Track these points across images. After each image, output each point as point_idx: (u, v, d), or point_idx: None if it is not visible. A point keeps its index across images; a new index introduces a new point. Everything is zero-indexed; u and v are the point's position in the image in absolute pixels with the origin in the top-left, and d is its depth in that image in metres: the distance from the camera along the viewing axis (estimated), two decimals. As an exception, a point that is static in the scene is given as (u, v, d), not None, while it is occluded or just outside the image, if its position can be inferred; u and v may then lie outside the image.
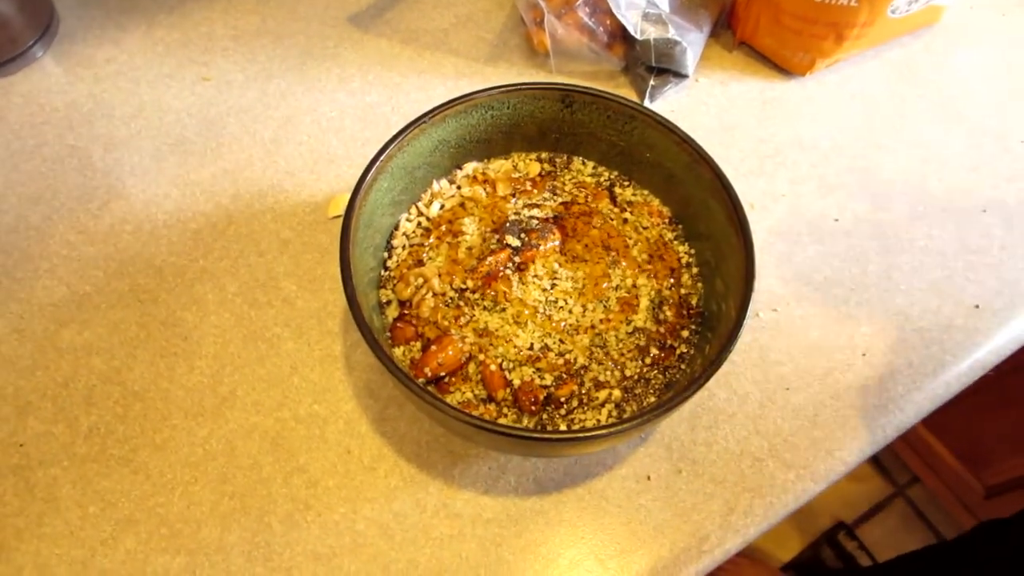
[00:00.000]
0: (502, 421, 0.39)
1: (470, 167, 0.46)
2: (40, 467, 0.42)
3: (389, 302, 0.42)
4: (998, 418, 1.02)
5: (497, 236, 0.43)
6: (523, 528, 0.41)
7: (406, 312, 0.41)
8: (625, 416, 0.39)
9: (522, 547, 0.40)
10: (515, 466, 0.42)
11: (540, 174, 0.46)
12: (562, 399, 0.39)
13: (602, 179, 0.46)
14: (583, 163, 0.47)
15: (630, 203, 0.45)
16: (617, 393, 0.39)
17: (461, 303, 0.41)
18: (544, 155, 0.47)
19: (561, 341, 0.40)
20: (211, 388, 0.44)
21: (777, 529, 0.42)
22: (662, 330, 0.41)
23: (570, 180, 0.46)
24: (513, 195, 0.45)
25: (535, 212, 0.44)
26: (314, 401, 0.44)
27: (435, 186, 0.45)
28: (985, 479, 1.09)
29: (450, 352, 0.39)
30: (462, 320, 0.40)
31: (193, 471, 0.42)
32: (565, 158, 0.47)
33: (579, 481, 0.42)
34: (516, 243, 0.42)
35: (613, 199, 0.45)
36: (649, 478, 0.42)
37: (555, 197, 0.45)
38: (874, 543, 1.24)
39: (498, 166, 0.46)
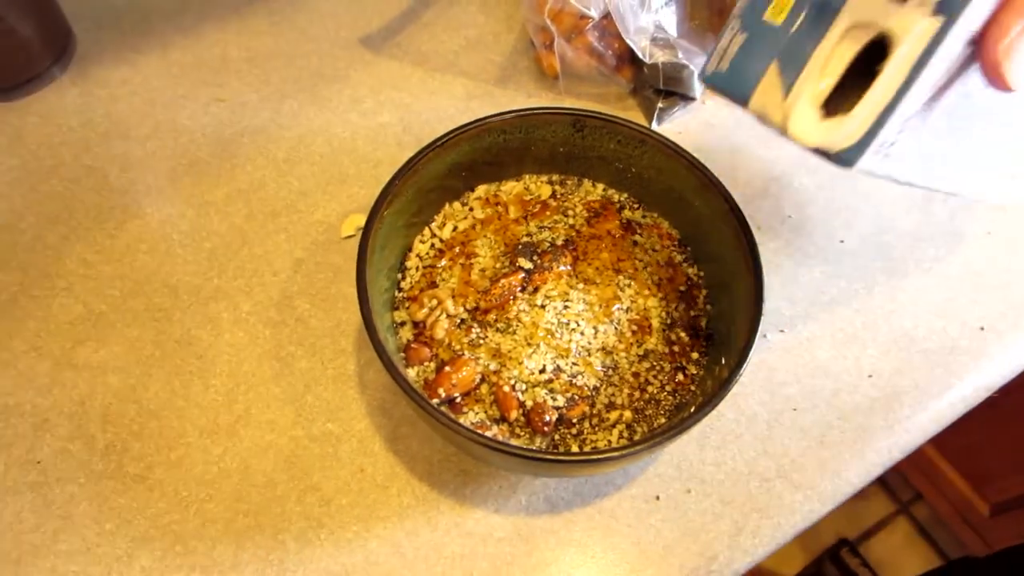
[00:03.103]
0: (514, 442, 0.39)
1: (482, 189, 0.47)
2: (57, 484, 0.42)
3: (403, 323, 0.43)
4: (1002, 436, 1.02)
5: (509, 258, 0.43)
6: (533, 547, 0.41)
7: (420, 333, 0.42)
8: (636, 437, 0.40)
9: (533, 566, 0.41)
10: (525, 485, 0.43)
11: (552, 196, 0.47)
12: (574, 420, 0.40)
13: (612, 201, 0.47)
14: (593, 185, 0.48)
15: (640, 225, 0.46)
16: (628, 414, 0.40)
17: (474, 324, 0.41)
18: (555, 177, 0.48)
19: (573, 363, 0.41)
20: (226, 406, 0.45)
21: (780, 546, 0.43)
22: (672, 351, 0.42)
23: (580, 202, 0.47)
24: (525, 217, 0.46)
25: (546, 234, 0.45)
26: (328, 419, 0.44)
27: (448, 208, 0.46)
28: (989, 497, 1.09)
29: (464, 373, 0.40)
30: (475, 341, 0.41)
31: (208, 489, 0.42)
32: (576, 180, 0.48)
33: (589, 500, 0.42)
34: (528, 265, 0.43)
35: (623, 222, 0.46)
36: (658, 498, 0.42)
37: (566, 219, 0.46)
38: (877, 560, 1.24)
39: (510, 188, 0.47)
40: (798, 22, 0.30)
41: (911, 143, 0.30)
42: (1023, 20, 0.26)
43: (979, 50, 0.27)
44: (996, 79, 0.27)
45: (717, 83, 0.33)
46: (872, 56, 0.28)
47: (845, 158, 0.30)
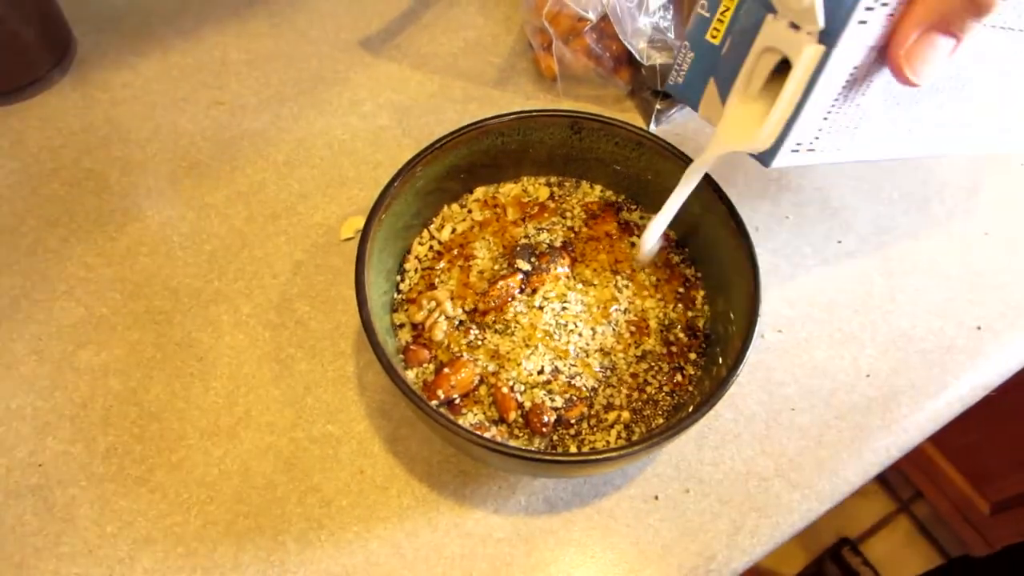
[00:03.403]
0: (513, 442, 0.39)
1: (480, 191, 0.47)
2: (58, 486, 0.42)
3: (402, 325, 0.43)
4: (1001, 434, 1.03)
5: (508, 260, 0.44)
6: (533, 547, 0.41)
7: (419, 335, 0.42)
8: (634, 437, 0.40)
9: (532, 566, 0.41)
10: (525, 486, 0.43)
11: (550, 198, 0.47)
12: (572, 421, 0.40)
13: (610, 203, 0.47)
14: (591, 187, 0.48)
15: (638, 227, 0.46)
16: (626, 415, 0.40)
17: (473, 326, 0.42)
18: (553, 179, 0.48)
19: (571, 364, 0.41)
20: (226, 408, 0.45)
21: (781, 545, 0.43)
22: (670, 352, 0.42)
23: (578, 204, 0.47)
24: (523, 219, 0.46)
25: (544, 236, 0.45)
26: (327, 421, 0.44)
27: (446, 210, 0.46)
28: (989, 495, 1.09)
29: (463, 375, 0.40)
30: (474, 343, 0.41)
31: (209, 490, 0.42)
32: (574, 182, 0.48)
33: (588, 501, 0.43)
34: (526, 267, 0.43)
35: (621, 223, 0.46)
36: (657, 498, 0.43)
37: (564, 221, 0.46)
38: (878, 559, 1.24)
39: (508, 190, 0.47)
40: (727, 44, 0.35)
41: (848, 131, 0.36)
42: (918, 30, 0.30)
43: (885, 55, 0.32)
44: (900, 79, 0.31)
45: (676, 93, 0.39)
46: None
47: (762, 158, 0.35)
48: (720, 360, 0.40)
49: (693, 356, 0.42)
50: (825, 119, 0.34)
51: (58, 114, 0.56)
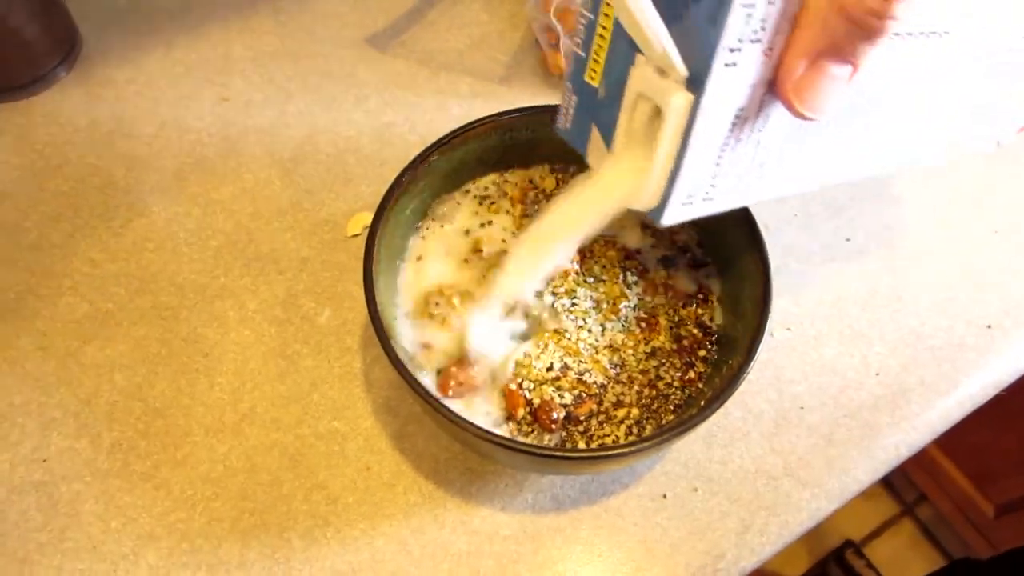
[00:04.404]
0: (521, 439, 0.39)
1: (488, 180, 0.47)
2: (63, 482, 0.42)
3: (410, 320, 0.43)
4: (1006, 436, 1.02)
5: (516, 256, 0.43)
6: (540, 545, 0.41)
7: (427, 331, 0.42)
8: (644, 435, 0.39)
9: (539, 564, 0.40)
10: (532, 483, 0.43)
11: (557, 187, 0.47)
12: (581, 417, 0.39)
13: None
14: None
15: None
16: (636, 412, 0.40)
17: (481, 322, 0.41)
18: (560, 175, 0.48)
19: (581, 360, 0.40)
20: (231, 405, 0.45)
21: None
22: (680, 349, 0.42)
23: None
24: (531, 215, 0.45)
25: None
26: (334, 418, 0.44)
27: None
28: (993, 497, 1.08)
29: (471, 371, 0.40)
30: (482, 339, 0.41)
31: (214, 487, 0.42)
32: (582, 176, 0.48)
33: (595, 499, 0.42)
34: (535, 263, 0.43)
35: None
36: (665, 496, 0.42)
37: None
38: (882, 562, 1.24)
39: (516, 180, 0.47)
40: (603, 87, 0.31)
41: (754, 170, 0.31)
42: (805, 60, 0.26)
43: (774, 91, 0.28)
44: (794, 113, 0.28)
45: (567, 138, 0.34)
46: None
47: (653, 216, 0.31)
48: (730, 358, 0.40)
49: (703, 353, 0.42)
50: (718, 165, 0.30)
51: (63, 110, 0.56)
